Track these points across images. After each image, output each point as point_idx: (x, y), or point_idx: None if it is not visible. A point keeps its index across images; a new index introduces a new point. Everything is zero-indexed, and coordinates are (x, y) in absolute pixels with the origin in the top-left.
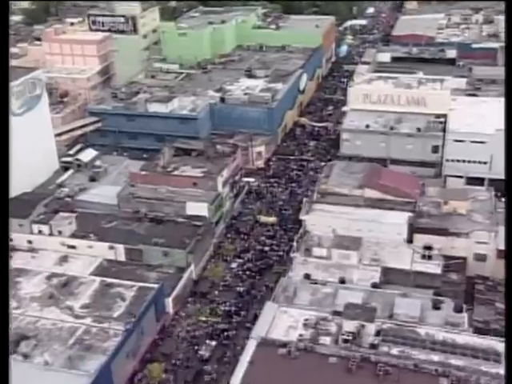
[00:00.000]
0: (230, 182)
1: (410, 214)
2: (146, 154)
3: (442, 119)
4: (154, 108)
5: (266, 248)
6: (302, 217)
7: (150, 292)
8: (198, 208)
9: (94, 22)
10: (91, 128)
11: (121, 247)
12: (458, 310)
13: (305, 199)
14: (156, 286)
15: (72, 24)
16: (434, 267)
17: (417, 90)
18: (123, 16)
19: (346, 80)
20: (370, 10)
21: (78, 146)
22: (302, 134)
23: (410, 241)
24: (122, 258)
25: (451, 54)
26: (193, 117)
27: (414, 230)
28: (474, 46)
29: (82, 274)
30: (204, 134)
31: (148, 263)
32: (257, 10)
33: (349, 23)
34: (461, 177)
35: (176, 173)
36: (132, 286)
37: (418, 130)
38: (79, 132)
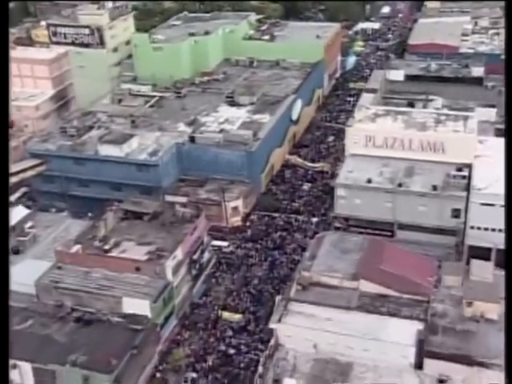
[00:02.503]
0: (186, 262)
1: (420, 326)
2: (92, 212)
3: (466, 172)
4: (106, 151)
5: (232, 350)
6: (273, 325)
7: None
8: (137, 305)
9: (54, 34)
10: (33, 173)
11: (28, 366)
12: None
13: (278, 297)
14: None
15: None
16: None
17: (433, 133)
18: (87, 27)
19: (352, 100)
20: (386, 10)
21: (20, 191)
22: (292, 175)
23: (419, 366)
24: (30, 380)
25: (478, 71)
26: (153, 163)
27: (424, 352)
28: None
29: None
30: (168, 182)
31: None
32: (249, 16)
33: (360, 26)
34: (489, 253)
35: (116, 252)
36: None
37: (434, 187)
38: (15, 179)
